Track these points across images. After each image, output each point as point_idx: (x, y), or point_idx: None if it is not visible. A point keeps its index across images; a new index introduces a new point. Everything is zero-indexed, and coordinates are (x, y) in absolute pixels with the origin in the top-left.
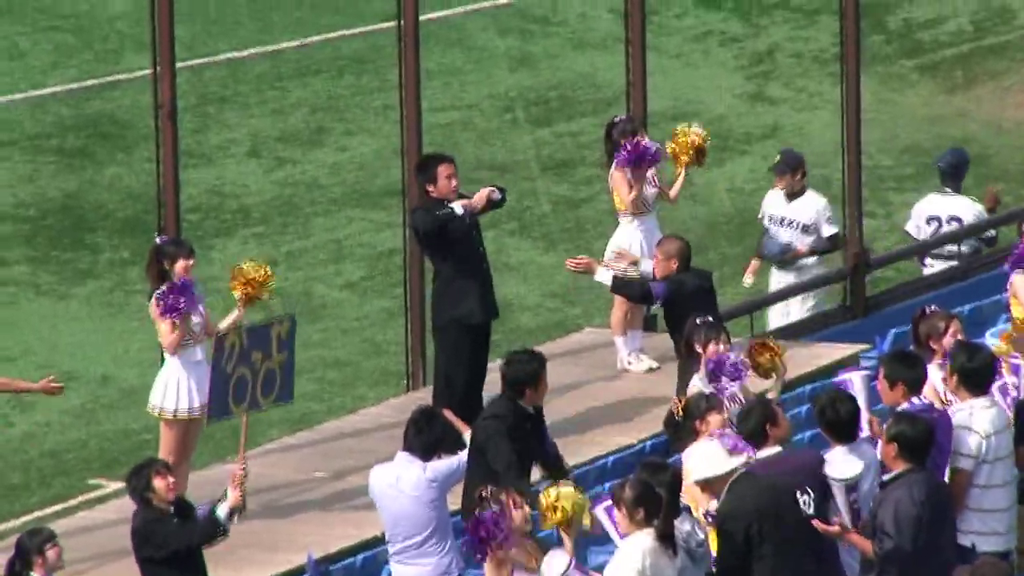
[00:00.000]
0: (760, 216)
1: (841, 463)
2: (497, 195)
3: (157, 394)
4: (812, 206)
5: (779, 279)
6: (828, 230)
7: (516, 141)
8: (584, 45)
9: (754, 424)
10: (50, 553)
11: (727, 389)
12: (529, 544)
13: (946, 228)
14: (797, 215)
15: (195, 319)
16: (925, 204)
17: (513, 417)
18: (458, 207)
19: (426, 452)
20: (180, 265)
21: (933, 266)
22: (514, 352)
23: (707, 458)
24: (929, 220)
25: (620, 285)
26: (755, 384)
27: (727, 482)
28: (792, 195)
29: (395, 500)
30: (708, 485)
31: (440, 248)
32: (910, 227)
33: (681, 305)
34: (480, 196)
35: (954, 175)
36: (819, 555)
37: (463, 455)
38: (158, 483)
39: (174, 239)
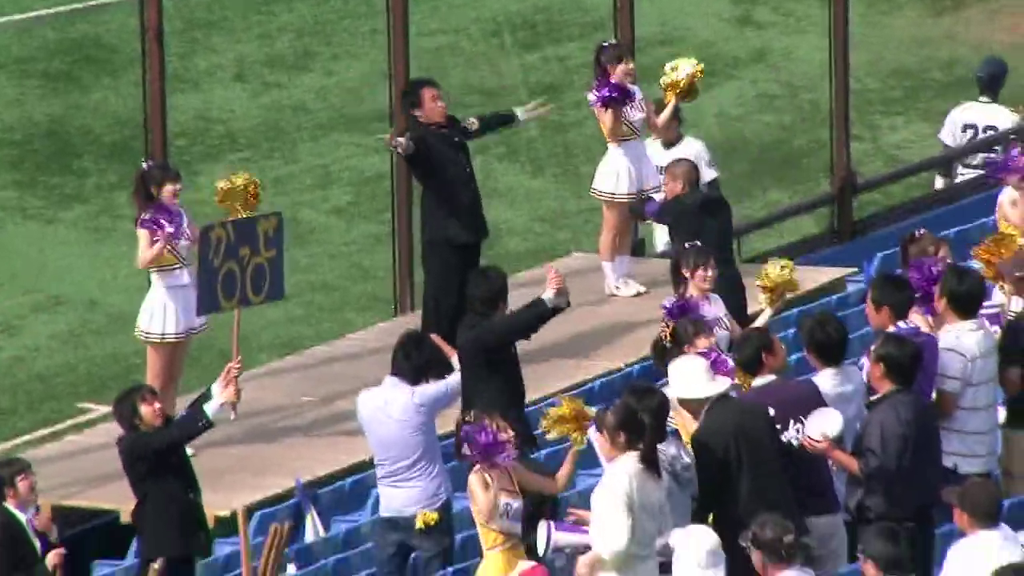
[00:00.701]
0: None
1: (823, 420)
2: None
3: (144, 318)
4: (690, 151)
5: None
6: (708, 174)
7: (504, 65)
8: None
9: (751, 352)
10: (21, 484)
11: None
12: (515, 467)
13: (982, 136)
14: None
15: (182, 242)
16: (961, 112)
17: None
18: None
19: (415, 376)
20: (167, 189)
21: (964, 175)
22: (480, 270)
23: (689, 379)
24: (965, 128)
25: (632, 205)
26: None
27: (704, 405)
28: (669, 143)
29: (383, 424)
30: (685, 404)
31: (425, 165)
32: (944, 135)
33: (685, 223)
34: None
35: (991, 84)
36: (802, 484)
37: (452, 379)
38: (144, 409)
39: (161, 163)
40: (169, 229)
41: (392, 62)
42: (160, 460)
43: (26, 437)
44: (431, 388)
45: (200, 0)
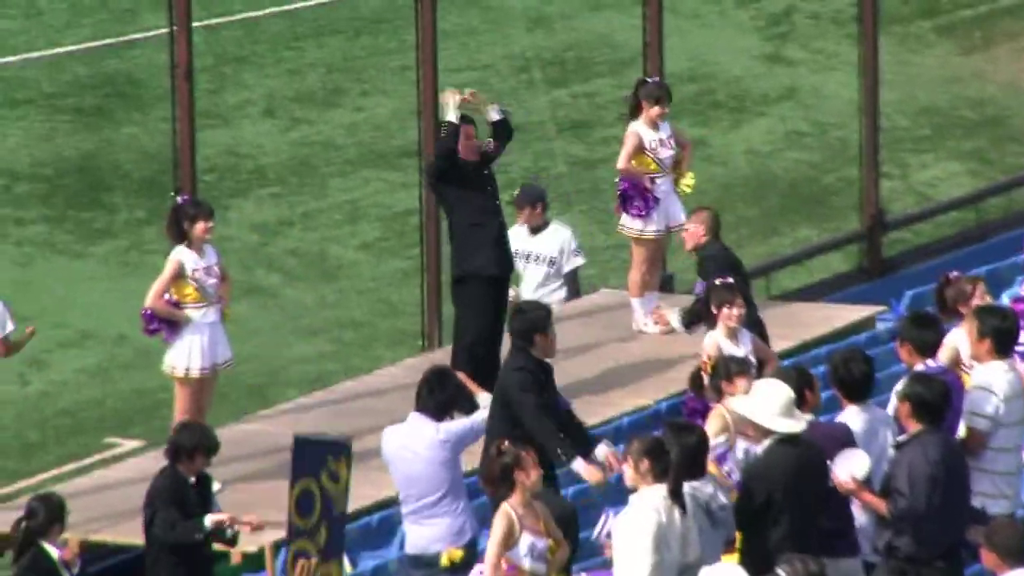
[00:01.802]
0: None
1: (850, 463)
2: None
3: (170, 353)
4: (557, 239)
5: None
6: (572, 263)
7: (532, 102)
8: (601, 5)
9: (793, 389)
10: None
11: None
12: (538, 505)
13: None
14: (542, 249)
15: (210, 280)
16: None
17: (534, 368)
18: (452, 115)
19: (439, 412)
20: (199, 227)
21: None
22: (519, 305)
23: (767, 406)
24: None
25: (690, 313)
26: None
27: (768, 435)
28: (535, 229)
29: (408, 461)
30: (752, 424)
31: (453, 196)
32: None
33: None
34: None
35: None
36: (829, 526)
37: (477, 416)
38: (195, 463)
39: (195, 200)
40: (165, 336)
41: (421, 99)
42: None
43: (53, 472)
44: (456, 425)
45: (230, 35)
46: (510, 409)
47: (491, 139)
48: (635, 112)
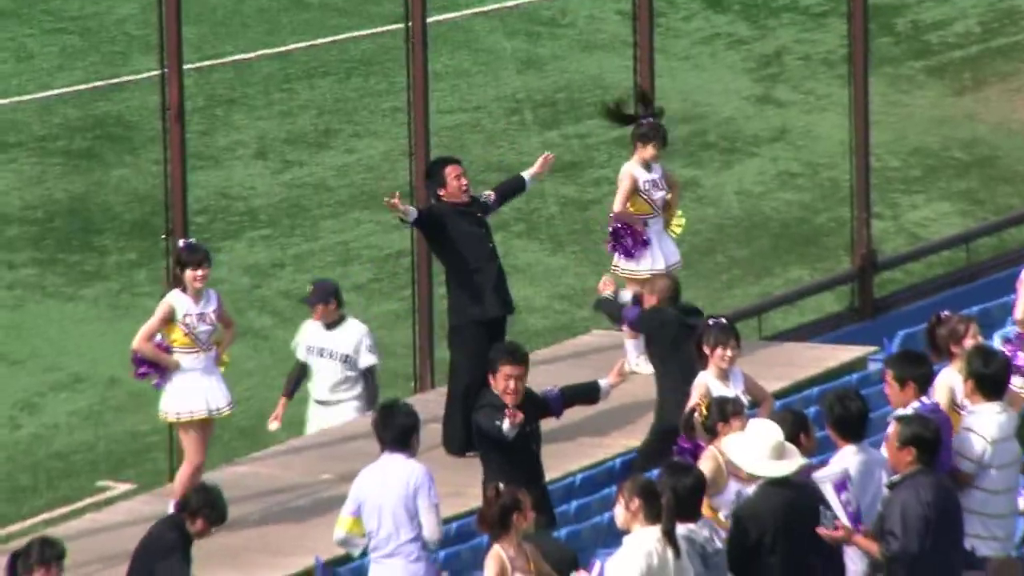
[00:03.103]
0: (294, 346)
1: (826, 468)
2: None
3: (164, 398)
4: (352, 335)
5: (321, 416)
6: (366, 360)
7: (524, 143)
8: (592, 47)
9: (788, 433)
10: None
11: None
12: (528, 548)
13: None
14: (336, 345)
15: (203, 327)
16: None
17: (493, 400)
18: (412, 211)
19: (400, 442)
20: (189, 274)
21: None
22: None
23: (754, 452)
24: None
25: (602, 302)
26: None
27: (757, 479)
28: (330, 325)
29: (379, 494)
30: (737, 468)
31: (449, 246)
32: None
33: (664, 338)
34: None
35: None
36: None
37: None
38: (199, 528)
39: (192, 245)
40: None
41: (413, 140)
42: None
43: (45, 515)
44: (427, 503)
45: (221, 77)
46: (487, 450)
47: (492, 193)
48: (634, 146)
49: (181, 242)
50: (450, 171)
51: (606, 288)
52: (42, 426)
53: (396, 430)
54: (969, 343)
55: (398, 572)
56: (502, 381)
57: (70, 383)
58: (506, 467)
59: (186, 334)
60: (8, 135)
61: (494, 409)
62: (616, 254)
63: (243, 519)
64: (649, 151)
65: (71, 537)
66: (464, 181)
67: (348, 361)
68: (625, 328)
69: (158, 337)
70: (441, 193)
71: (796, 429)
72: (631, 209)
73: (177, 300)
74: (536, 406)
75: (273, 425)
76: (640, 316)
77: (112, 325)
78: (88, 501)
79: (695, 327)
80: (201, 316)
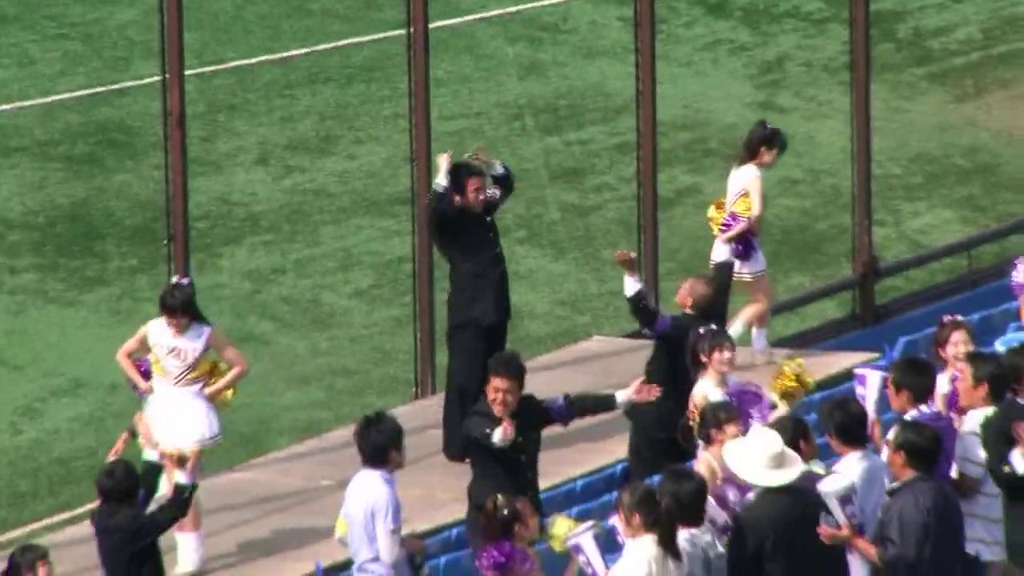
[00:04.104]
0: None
1: (831, 478)
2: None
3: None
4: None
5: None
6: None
7: (525, 149)
8: (593, 53)
9: (788, 440)
10: (41, 570)
11: (752, 418)
12: (530, 551)
13: None
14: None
15: (172, 362)
16: None
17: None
18: (441, 178)
19: (374, 459)
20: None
21: None
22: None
23: (753, 461)
24: None
25: (637, 300)
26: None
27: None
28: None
29: (352, 509)
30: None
31: (456, 247)
32: None
33: (678, 348)
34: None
35: None
36: (826, 568)
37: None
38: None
39: (177, 286)
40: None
41: (414, 146)
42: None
43: (46, 521)
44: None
45: (222, 83)
46: (475, 459)
47: (496, 188)
48: (751, 156)
49: (174, 278)
50: (471, 184)
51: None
52: (43, 431)
53: (370, 447)
54: (951, 350)
55: None
56: (491, 392)
57: (71, 388)
58: (493, 474)
59: (157, 362)
60: (10, 140)
61: (484, 417)
62: (733, 256)
63: (243, 524)
64: (771, 156)
65: (72, 543)
66: (482, 196)
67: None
68: (741, 320)
69: (149, 357)
70: (457, 200)
71: (796, 435)
72: (744, 211)
73: (153, 327)
74: (535, 416)
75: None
76: (672, 324)
77: (113, 330)
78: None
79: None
80: (173, 350)
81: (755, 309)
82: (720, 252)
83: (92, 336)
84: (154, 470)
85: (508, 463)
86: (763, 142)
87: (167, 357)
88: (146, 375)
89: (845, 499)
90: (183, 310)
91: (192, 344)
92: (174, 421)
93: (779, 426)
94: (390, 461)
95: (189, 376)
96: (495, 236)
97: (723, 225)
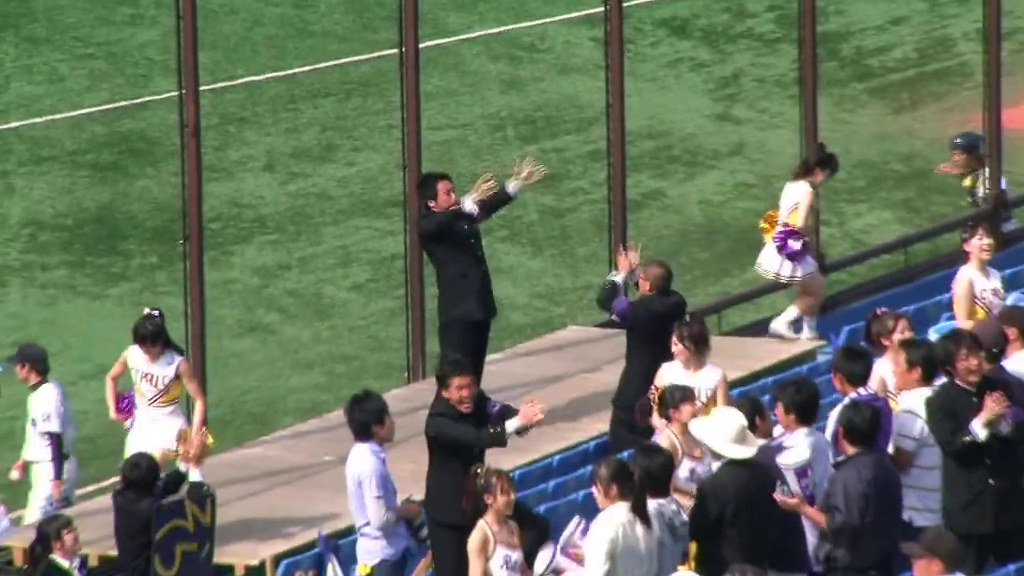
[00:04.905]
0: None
1: (790, 452)
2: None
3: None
4: (50, 398)
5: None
6: (47, 426)
7: (506, 157)
8: (568, 70)
9: (746, 417)
10: (67, 537)
11: None
12: (513, 524)
13: None
14: (36, 410)
15: (145, 385)
16: None
17: (445, 410)
18: (468, 202)
19: (360, 434)
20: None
21: None
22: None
23: (721, 433)
24: None
25: (605, 287)
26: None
27: (718, 456)
28: (34, 387)
29: (346, 477)
30: (694, 446)
31: (442, 251)
32: None
33: (643, 327)
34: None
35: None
36: (781, 543)
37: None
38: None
39: (150, 318)
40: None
41: (406, 153)
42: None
43: (76, 492)
44: (369, 485)
45: (234, 98)
46: (437, 452)
47: (476, 207)
48: (806, 174)
49: (146, 310)
50: (441, 186)
51: (624, 265)
52: (73, 411)
53: (355, 424)
54: (897, 337)
55: (359, 548)
56: (455, 391)
57: (98, 373)
58: (451, 468)
59: (134, 385)
60: (42, 150)
61: (449, 419)
62: (784, 260)
63: (253, 494)
64: (824, 176)
65: (99, 511)
66: (453, 197)
67: (41, 423)
68: (798, 307)
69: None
70: (431, 204)
71: (753, 413)
72: (797, 223)
73: (131, 352)
74: (483, 414)
75: (14, 475)
76: (629, 307)
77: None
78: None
79: (675, 318)
80: (147, 376)
81: (806, 302)
82: (769, 258)
83: (116, 326)
84: (179, 477)
85: (467, 458)
86: (820, 163)
87: (142, 381)
88: (129, 405)
89: (801, 472)
90: (153, 339)
91: (163, 371)
92: (141, 444)
93: (737, 405)
94: (374, 435)
95: (162, 399)
96: (477, 240)
97: (776, 235)
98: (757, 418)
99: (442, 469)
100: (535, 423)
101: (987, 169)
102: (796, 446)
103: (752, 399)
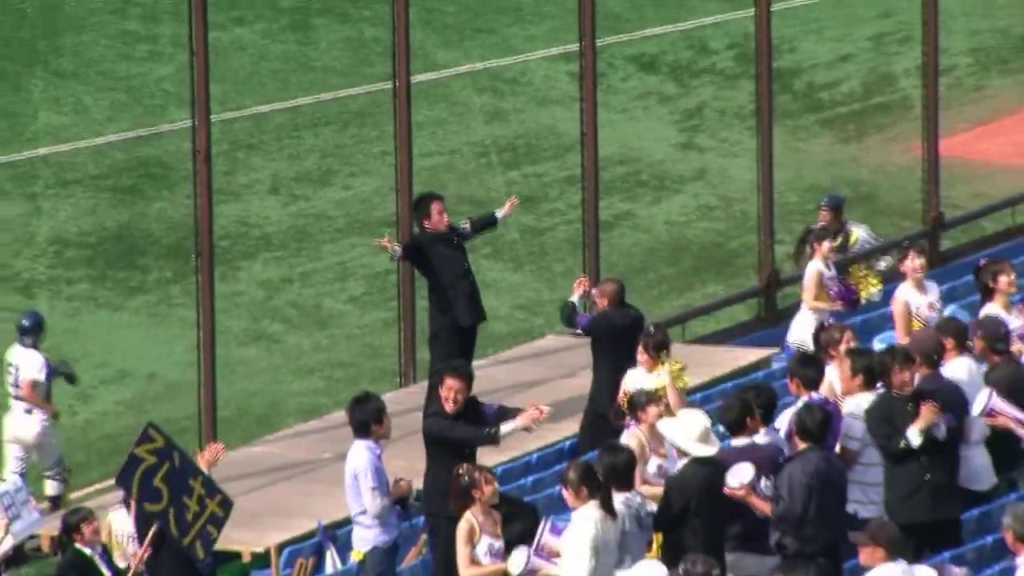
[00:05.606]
0: None
1: (735, 470)
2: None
3: None
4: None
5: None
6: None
7: (490, 181)
8: (547, 102)
9: (735, 416)
10: (86, 529)
11: None
12: (496, 515)
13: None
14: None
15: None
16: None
17: (439, 411)
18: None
19: (359, 431)
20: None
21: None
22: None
23: (687, 432)
24: None
25: (563, 307)
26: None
27: (683, 454)
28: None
29: (345, 470)
30: (658, 445)
31: (427, 267)
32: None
33: (607, 339)
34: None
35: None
36: (750, 529)
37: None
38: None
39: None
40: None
41: (399, 178)
42: None
43: (97, 486)
44: (365, 477)
45: (242, 127)
46: (439, 445)
47: (468, 224)
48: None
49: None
50: (435, 207)
51: (579, 289)
52: (95, 413)
53: (355, 422)
54: (843, 347)
55: (354, 536)
56: (446, 391)
57: (117, 378)
58: (447, 466)
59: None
60: (67, 174)
61: (443, 417)
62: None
63: (259, 489)
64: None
65: (117, 504)
66: (445, 217)
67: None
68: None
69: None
70: (426, 223)
71: (743, 413)
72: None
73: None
74: (476, 416)
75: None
76: (591, 322)
77: (151, 331)
78: None
79: (635, 329)
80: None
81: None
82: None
83: (134, 335)
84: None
85: (461, 456)
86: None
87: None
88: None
89: (752, 485)
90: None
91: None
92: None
93: (727, 403)
94: (372, 433)
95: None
96: (463, 254)
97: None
98: (748, 419)
99: (438, 464)
100: (532, 427)
101: (848, 224)
102: (738, 468)
103: (742, 399)
